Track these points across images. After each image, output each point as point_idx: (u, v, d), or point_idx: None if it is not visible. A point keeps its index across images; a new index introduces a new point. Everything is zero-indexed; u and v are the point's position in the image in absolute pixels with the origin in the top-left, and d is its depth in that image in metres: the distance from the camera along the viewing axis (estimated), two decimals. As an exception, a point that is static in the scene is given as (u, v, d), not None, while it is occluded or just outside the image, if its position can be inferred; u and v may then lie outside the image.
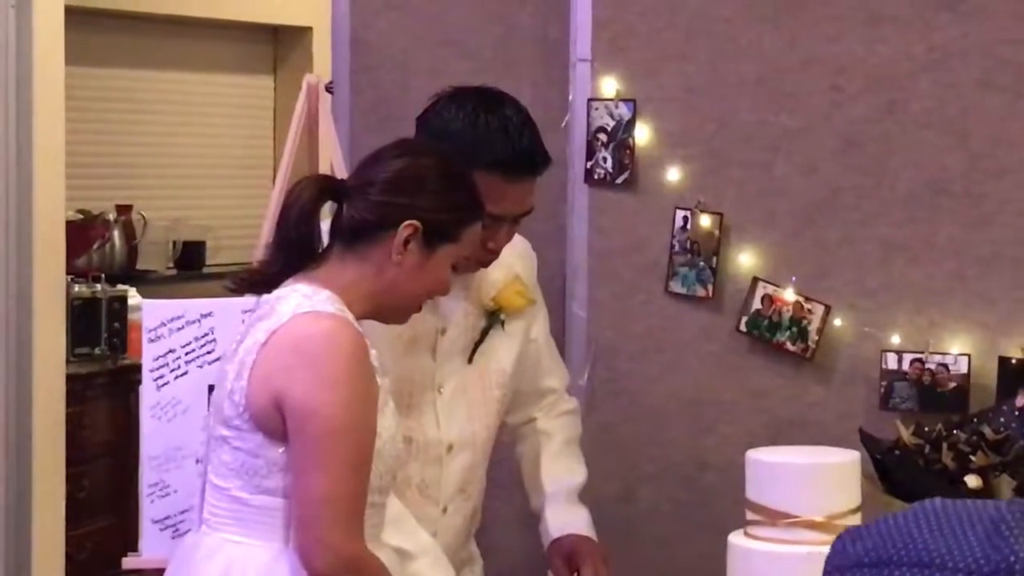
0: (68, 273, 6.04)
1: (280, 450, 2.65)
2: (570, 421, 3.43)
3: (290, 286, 2.73)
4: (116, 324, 6.33)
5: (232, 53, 7.70)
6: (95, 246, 6.79)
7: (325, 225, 2.81)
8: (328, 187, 2.81)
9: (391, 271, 2.75)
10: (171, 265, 7.35)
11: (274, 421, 2.64)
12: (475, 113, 3.02)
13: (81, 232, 6.65)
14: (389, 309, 2.80)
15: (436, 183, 2.78)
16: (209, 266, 7.28)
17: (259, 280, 2.80)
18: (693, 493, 3.93)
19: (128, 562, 3.33)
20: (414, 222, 2.74)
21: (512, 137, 3.02)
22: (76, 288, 6.25)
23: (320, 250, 2.78)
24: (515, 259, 3.26)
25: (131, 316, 6.29)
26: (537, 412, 3.39)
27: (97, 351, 6.30)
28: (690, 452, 3.95)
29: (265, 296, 2.75)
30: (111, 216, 6.95)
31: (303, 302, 2.68)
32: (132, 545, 3.39)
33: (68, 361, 5.77)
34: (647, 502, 3.98)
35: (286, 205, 2.77)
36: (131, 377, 6.22)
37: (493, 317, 3.22)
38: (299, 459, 2.63)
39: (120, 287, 6.53)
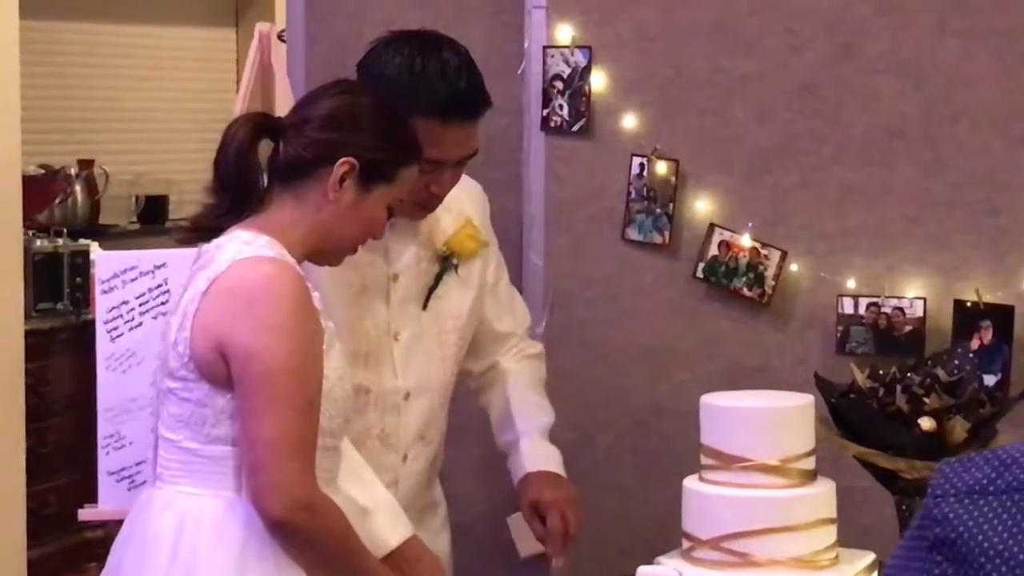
0: (30, 228, 6.03)
1: (227, 398, 2.65)
2: (536, 364, 3.43)
3: (230, 234, 2.72)
4: (78, 279, 6.32)
5: (193, 5, 7.65)
6: (57, 201, 6.75)
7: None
8: (264, 124, 2.80)
9: (327, 210, 2.75)
10: (134, 220, 7.32)
11: (219, 369, 2.64)
12: (411, 57, 3.01)
13: (43, 187, 6.62)
14: (325, 251, 2.80)
15: (372, 121, 2.78)
16: (172, 220, 7.25)
17: (203, 227, 2.79)
18: (650, 439, 3.94)
19: (84, 514, 3.32)
20: (350, 159, 2.73)
21: (450, 80, 3.00)
22: (38, 243, 6.23)
23: (261, 192, 2.77)
24: (466, 202, 3.26)
25: (93, 271, 6.25)
26: (499, 357, 3.38)
27: (59, 306, 6.28)
28: (647, 398, 3.96)
29: (206, 245, 2.75)
30: (73, 171, 6.92)
31: (242, 248, 2.67)
32: (94, 499, 3.38)
33: (30, 316, 5.76)
34: (605, 448, 3.99)
35: (223, 145, 2.76)
36: (94, 332, 6.20)
37: (446, 262, 3.22)
38: (245, 404, 2.62)
39: (82, 242, 6.50)
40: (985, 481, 1.19)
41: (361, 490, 2.89)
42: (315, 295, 2.70)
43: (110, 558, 2.80)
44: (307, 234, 2.75)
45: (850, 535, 3.14)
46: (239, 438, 2.65)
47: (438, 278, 3.21)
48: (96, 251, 6.28)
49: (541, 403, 3.37)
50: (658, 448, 3.90)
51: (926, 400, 3.14)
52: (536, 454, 3.28)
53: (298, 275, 2.68)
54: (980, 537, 1.17)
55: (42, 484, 5.54)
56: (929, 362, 3.27)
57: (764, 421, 3.07)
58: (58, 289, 6.28)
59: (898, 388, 3.17)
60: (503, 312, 3.38)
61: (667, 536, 3.24)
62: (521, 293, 3.64)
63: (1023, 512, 1.17)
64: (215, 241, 2.73)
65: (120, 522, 2.86)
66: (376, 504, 2.93)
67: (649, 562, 3.10)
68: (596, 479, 3.90)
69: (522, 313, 3.45)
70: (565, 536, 3.21)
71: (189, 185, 7.33)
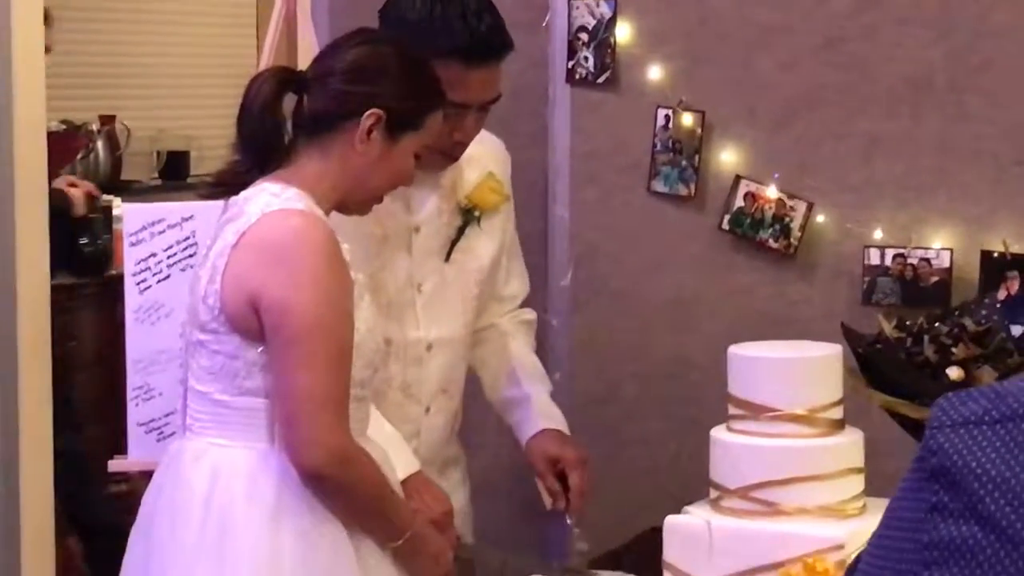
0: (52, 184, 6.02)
1: (259, 350, 2.65)
2: (530, 331, 3.42)
3: (258, 186, 2.72)
4: (105, 236, 6.30)
5: (214, -40, 7.63)
6: (79, 157, 6.75)
7: None
8: (287, 78, 2.79)
9: (355, 162, 2.74)
10: (155, 175, 7.31)
11: (250, 322, 2.64)
12: (432, 1, 3.01)
13: (64, 143, 6.61)
14: (353, 201, 2.80)
15: (396, 70, 2.77)
16: (193, 176, 7.24)
17: (228, 183, 2.79)
18: (676, 392, 3.94)
19: (114, 465, 3.33)
20: (377, 110, 2.73)
21: (469, 23, 3.00)
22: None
23: (286, 146, 2.77)
24: (488, 157, 3.25)
25: (116, 226, 6.26)
26: (497, 319, 3.38)
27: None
28: (673, 351, 3.96)
29: (234, 198, 2.74)
30: (94, 127, 6.90)
31: (271, 200, 2.67)
32: (121, 453, 3.39)
33: (54, 273, 5.75)
34: (631, 401, 3.99)
35: (247, 100, 2.75)
36: (118, 287, 6.20)
37: (468, 215, 3.21)
38: (279, 358, 2.62)
39: (105, 197, 6.50)
40: (981, 412, 1.22)
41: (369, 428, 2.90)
42: (344, 247, 2.70)
43: (141, 509, 2.81)
44: (335, 186, 2.75)
45: (876, 485, 3.14)
46: (272, 391, 2.65)
47: (460, 231, 3.21)
48: (119, 207, 6.28)
49: (541, 368, 3.38)
50: (684, 400, 3.91)
51: (954, 350, 3.14)
52: (550, 412, 3.28)
53: (327, 228, 2.68)
54: (974, 464, 1.20)
55: (69, 438, 5.55)
56: (957, 312, 3.27)
57: (792, 371, 3.07)
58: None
59: (926, 338, 3.16)
60: (512, 276, 3.38)
61: (693, 487, 3.24)
62: (546, 246, 3.64)
63: (1015, 439, 1.20)
64: (243, 193, 2.73)
65: (148, 474, 2.87)
66: (383, 440, 2.94)
67: (676, 512, 3.11)
68: (622, 431, 3.91)
69: (525, 276, 3.44)
70: (581, 495, 3.21)
71: (211, 141, 7.32)
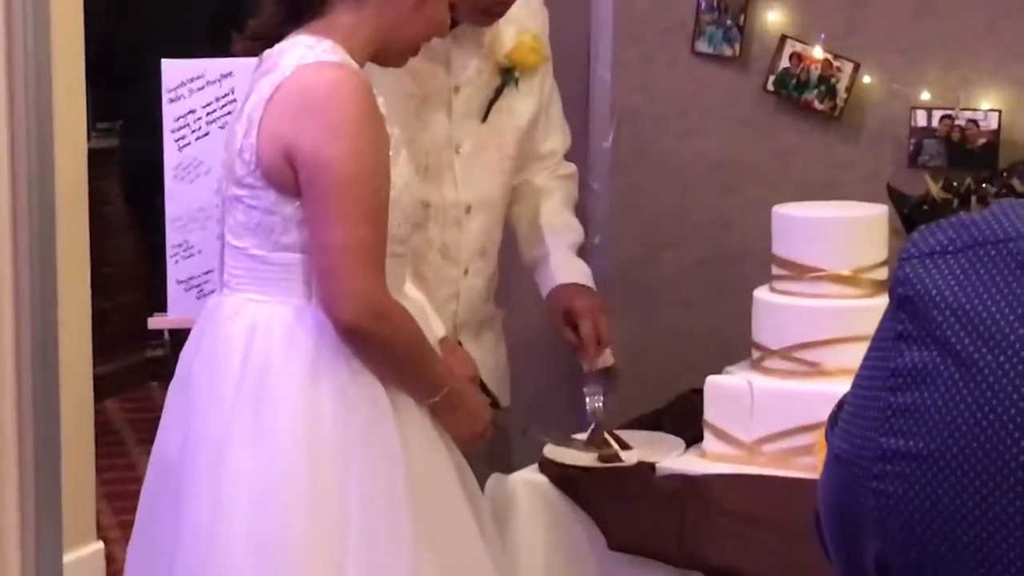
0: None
1: (295, 205, 2.63)
2: (568, 184, 3.39)
3: (292, 39, 2.68)
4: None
5: None
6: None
7: None
8: None
9: (390, 11, 2.70)
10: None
11: (286, 176, 2.62)
12: None
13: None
14: (388, 52, 2.75)
15: None
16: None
17: (263, 36, 2.75)
18: (718, 254, 3.92)
19: (154, 322, 3.32)
20: None
21: None
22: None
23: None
24: (526, 16, 3.22)
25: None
26: (535, 176, 3.35)
27: (117, 125, 6.27)
28: (715, 214, 3.93)
29: (268, 51, 2.71)
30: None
31: (306, 53, 2.64)
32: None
33: (89, 137, 5.74)
34: (672, 264, 3.96)
35: None
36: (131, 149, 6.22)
37: (507, 75, 3.19)
38: (314, 212, 2.60)
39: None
40: (945, 241, 1.26)
41: None
42: (380, 100, 2.67)
43: (179, 364, 2.80)
44: (370, 37, 2.71)
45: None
46: (308, 246, 2.63)
47: (499, 90, 3.18)
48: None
49: (571, 222, 3.35)
50: (725, 262, 3.88)
51: (1002, 211, 3.10)
52: (565, 267, 3.27)
53: (363, 80, 2.64)
54: (934, 291, 1.24)
55: (105, 302, 5.58)
56: (1004, 173, 3.24)
57: (837, 231, 3.05)
58: (115, 108, 6.26)
59: (973, 199, 3.14)
60: (551, 132, 3.34)
61: (733, 349, 3.24)
62: (587, 107, 3.60)
63: (974, 267, 1.24)
64: (277, 46, 2.70)
65: (186, 331, 2.86)
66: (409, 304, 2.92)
67: (716, 374, 3.10)
68: (663, 295, 3.89)
69: (564, 132, 3.41)
70: (599, 343, 3.19)
71: None
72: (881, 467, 1.23)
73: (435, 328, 2.92)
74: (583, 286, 3.25)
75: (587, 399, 3.12)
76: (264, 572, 2.58)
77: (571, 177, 3.40)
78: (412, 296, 2.82)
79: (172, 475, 2.71)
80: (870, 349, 1.29)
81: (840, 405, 1.32)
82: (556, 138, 3.35)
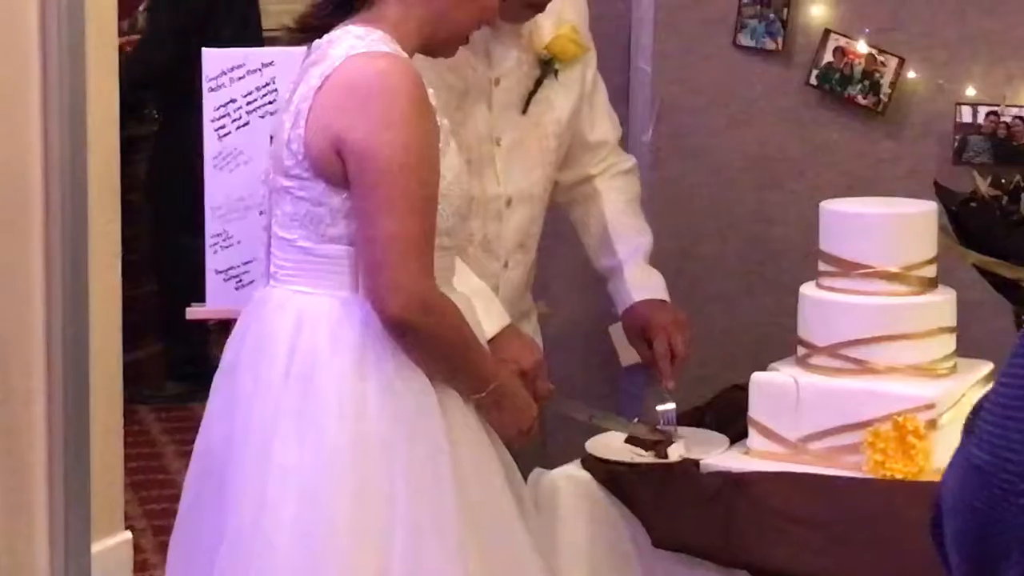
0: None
1: (343, 196, 2.60)
2: (631, 181, 3.37)
3: (342, 28, 2.66)
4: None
5: None
6: (140, 8, 6.70)
7: None
8: None
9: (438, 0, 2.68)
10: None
11: (334, 166, 2.59)
12: None
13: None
14: (437, 40, 2.73)
15: None
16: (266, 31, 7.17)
17: (311, 27, 2.73)
18: (758, 249, 3.89)
19: (192, 312, 3.29)
20: None
21: None
22: (127, 50, 6.18)
23: None
24: (568, 8, 3.20)
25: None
26: (593, 169, 3.32)
27: (145, 112, 6.26)
28: (756, 208, 3.90)
29: (317, 42, 2.69)
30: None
31: (356, 43, 2.61)
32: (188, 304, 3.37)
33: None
34: (711, 258, 3.94)
35: None
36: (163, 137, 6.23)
37: (547, 66, 3.17)
38: (362, 203, 2.58)
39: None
40: None
41: (457, 280, 2.86)
42: (430, 91, 2.65)
43: (225, 355, 2.78)
44: (420, 26, 2.68)
45: (964, 346, 3.09)
46: (355, 237, 2.61)
47: (538, 82, 3.16)
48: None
49: (638, 224, 3.33)
50: (764, 258, 3.86)
51: (1051, 209, 3.08)
52: (640, 283, 3.25)
53: (414, 70, 2.62)
54: None
55: (134, 291, 5.55)
56: (1054, 170, 3.21)
57: (886, 227, 3.02)
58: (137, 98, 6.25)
59: (1022, 196, 3.10)
60: (596, 121, 3.32)
61: (773, 345, 3.21)
62: (627, 100, 3.58)
63: None
64: (327, 36, 2.68)
65: (225, 322, 2.84)
66: (472, 293, 2.90)
67: (756, 370, 3.07)
68: (701, 288, 3.86)
69: (615, 124, 3.38)
70: (673, 359, 3.17)
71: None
72: None
73: (497, 315, 2.89)
74: (659, 301, 3.23)
75: (660, 418, 3.09)
76: (309, 566, 2.56)
77: (632, 172, 3.38)
78: (468, 288, 2.79)
79: (217, 467, 2.69)
80: (1016, 354, 1.24)
81: (976, 411, 1.28)
82: (604, 127, 3.32)
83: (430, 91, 2.65)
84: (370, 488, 2.56)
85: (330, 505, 2.56)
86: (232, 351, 2.76)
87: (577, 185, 3.34)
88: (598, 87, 3.32)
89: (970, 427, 1.25)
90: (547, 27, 3.15)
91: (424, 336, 2.61)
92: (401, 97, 2.57)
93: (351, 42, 2.62)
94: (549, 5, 3.08)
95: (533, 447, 3.11)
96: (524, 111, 3.15)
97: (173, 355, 6.47)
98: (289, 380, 2.61)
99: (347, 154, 2.58)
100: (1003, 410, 1.22)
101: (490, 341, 2.84)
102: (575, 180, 3.33)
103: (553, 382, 3.30)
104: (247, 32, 6.13)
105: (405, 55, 2.64)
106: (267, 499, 2.58)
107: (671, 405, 3.08)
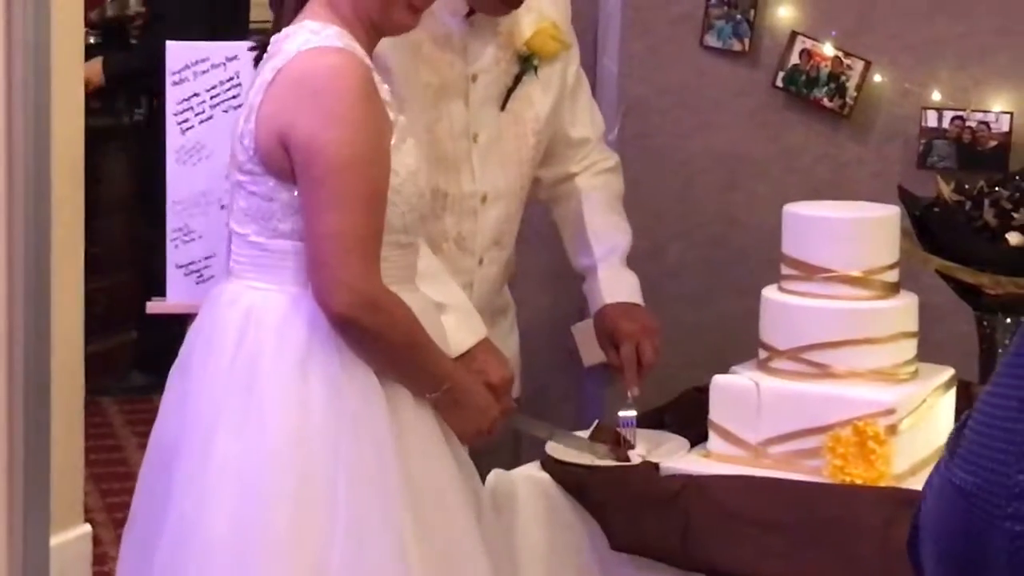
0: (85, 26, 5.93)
1: (293, 192, 2.60)
2: (613, 178, 3.35)
3: (299, 23, 2.65)
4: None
5: None
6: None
7: None
8: None
9: None
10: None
11: (283, 161, 2.58)
12: None
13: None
14: (387, 17, 2.68)
15: None
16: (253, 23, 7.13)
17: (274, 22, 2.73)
18: (722, 251, 3.89)
19: (152, 307, 3.29)
20: None
21: None
22: (91, 40, 6.15)
23: None
24: (547, 4, 3.18)
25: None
26: (574, 167, 3.31)
27: (117, 105, 6.24)
28: (721, 210, 3.89)
29: (275, 36, 2.68)
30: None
31: (310, 38, 2.61)
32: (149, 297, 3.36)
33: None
34: (675, 259, 3.93)
35: None
36: (145, 132, 6.21)
37: (526, 63, 3.15)
38: (307, 199, 2.57)
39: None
40: None
41: (436, 291, 2.85)
42: (384, 88, 2.63)
43: (182, 349, 2.78)
44: (366, 10, 2.65)
45: (926, 351, 3.09)
46: (302, 233, 2.59)
47: (517, 79, 3.15)
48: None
49: (619, 223, 3.31)
50: (730, 260, 3.85)
51: (1015, 215, 3.08)
52: (613, 285, 3.24)
53: (364, 66, 2.61)
54: None
55: (98, 283, 5.52)
56: (1018, 176, 3.21)
57: (849, 231, 3.01)
58: (109, 89, 6.22)
59: (986, 202, 3.11)
60: (578, 118, 3.30)
61: (737, 348, 3.20)
62: (594, 99, 3.54)
63: None
64: (284, 30, 2.68)
65: (184, 316, 2.83)
66: (451, 304, 2.89)
67: (718, 373, 3.06)
68: (665, 290, 3.85)
69: (598, 121, 3.37)
70: (640, 366, 3.16)
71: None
72: (1017, 506, 1.15)
73: (474, 328, 2.88)
74: (631, 305, 3.22)
75: (619, 422, 3.06)
76: (247, 562, 2.55)
77: (614, 170, 3.36)
78: (446, 299, 2.78)
79: (167, 461, 2.68)
80: (1000, 374, 1.21)
81: (960, 429, 1.25)
82: (587, 125, 3.31)
83: (384, 87, 2.63)
84: (311, 485, 2.56)
85: (269, 501, 2.55)
86: (188, 346, 2.76)
87: (559, 183, 3.32)
88: (581, 84, 3.31)
89: (953, 447, 1.22)
90: (526, 23, 3.14)
91: (371, 334, 2.59)
92: (349, 92, 2.56)
93: (305, 37, 2.62)
94: (529, 1, 3.07)
95: (504, 455, 3.11)
96: (503, 108, 3.14)
97: (145, 345, 6.44)
98: (233, 375, 2.61)
99: (293, 149, 2.57)
100: (987, 428, 1.19)
101: (465, 353, 2.83)
102: (557, 178, 3.31)
103: (521, 376, 3.30)
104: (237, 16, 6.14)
105: (360, 51, 2.62)
106: (206, 495, 2.57)
107: (632, 412, 3.06)
